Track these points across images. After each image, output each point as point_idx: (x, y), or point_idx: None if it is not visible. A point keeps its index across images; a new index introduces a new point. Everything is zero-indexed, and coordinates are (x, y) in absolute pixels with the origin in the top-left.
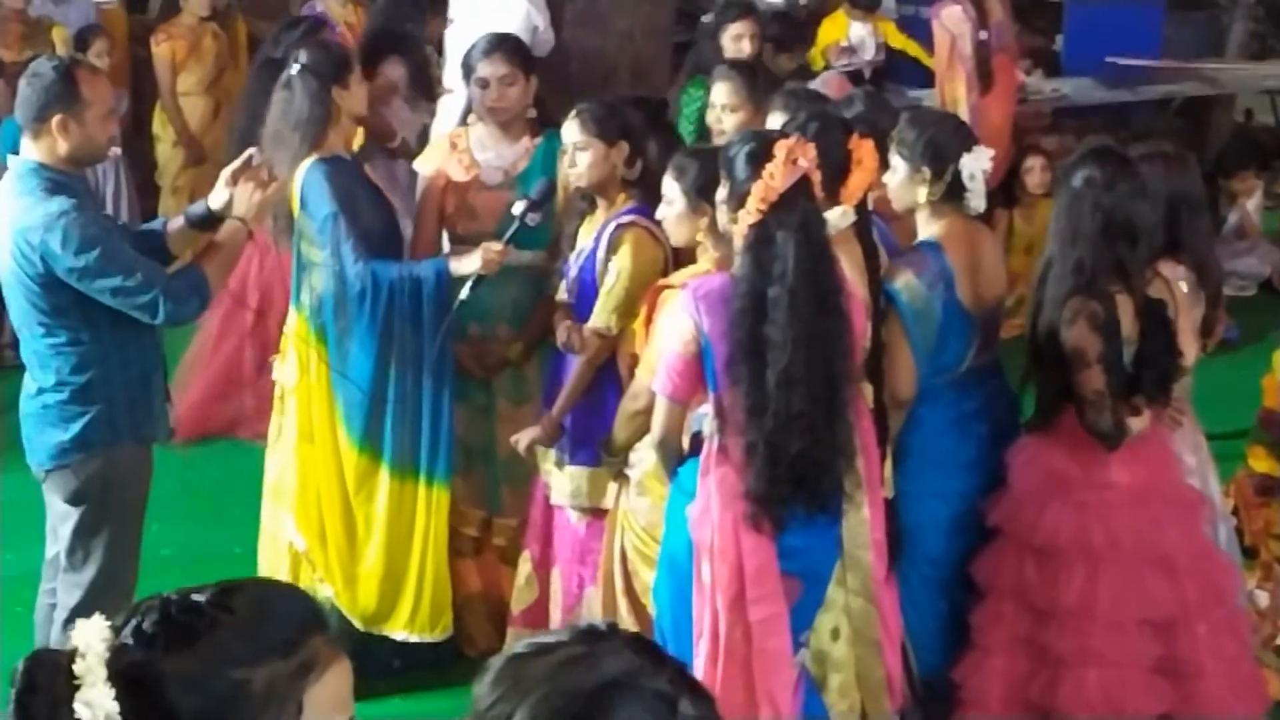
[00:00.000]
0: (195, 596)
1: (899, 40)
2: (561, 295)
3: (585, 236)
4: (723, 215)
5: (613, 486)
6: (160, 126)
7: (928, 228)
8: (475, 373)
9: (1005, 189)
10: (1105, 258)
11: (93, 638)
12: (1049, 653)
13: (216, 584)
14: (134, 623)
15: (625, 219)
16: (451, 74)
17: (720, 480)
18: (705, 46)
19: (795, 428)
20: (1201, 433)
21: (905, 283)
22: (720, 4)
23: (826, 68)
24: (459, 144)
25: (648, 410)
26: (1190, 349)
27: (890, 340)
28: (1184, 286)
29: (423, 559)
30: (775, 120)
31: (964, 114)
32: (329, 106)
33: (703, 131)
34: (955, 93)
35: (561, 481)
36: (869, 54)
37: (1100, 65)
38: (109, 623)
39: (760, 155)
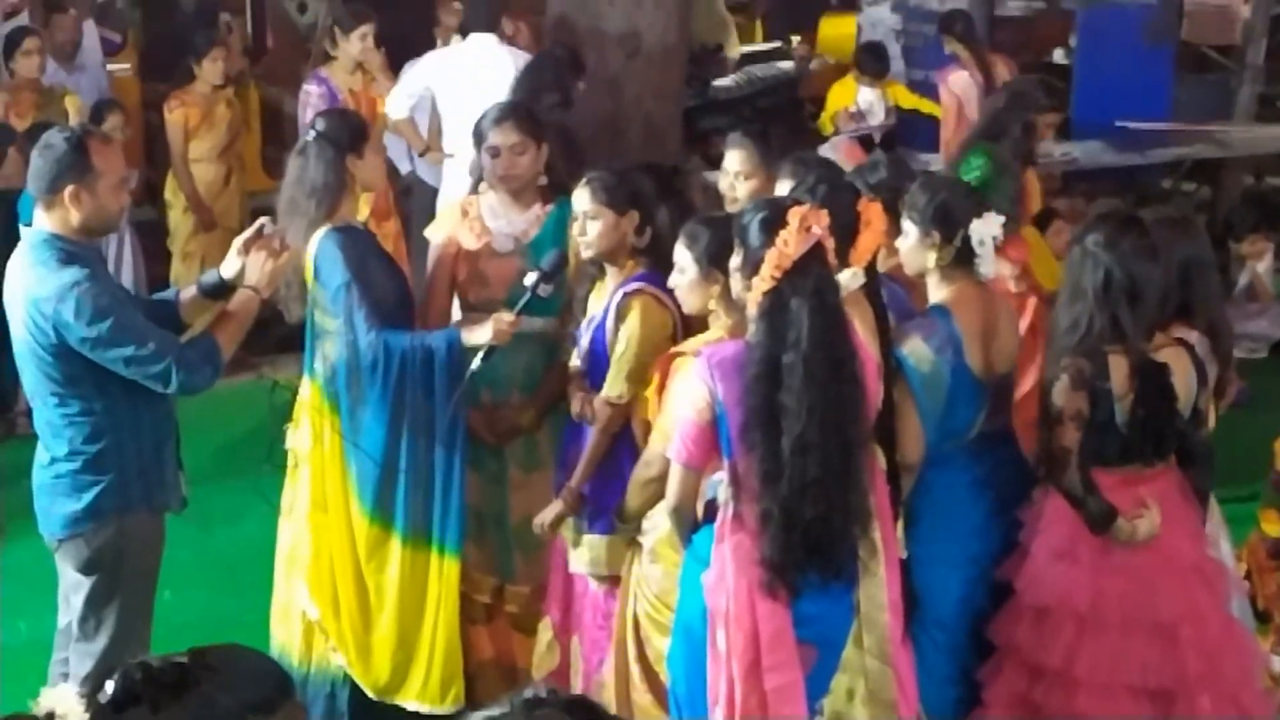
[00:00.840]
0: (174, 658)
1: (910, 100)
2: (575, 362)
3: (595, 303)
4: (737, 283)
5: (628, 554)
6: (172, 193)
7: (937, 292)
8: (488, 440)
9: None
10: (1102, 315)
11: (68, 703)
12: (1041, 712)
13: (189, 648)
14: (115, 684)
15: (632, 286)
16: (451, 139)
17: (735, 547)
18: (1009, 124)
19: (810, 494)
20: (1212, 497)
21: (912, 348)
22: (1026, 93)
23: (836, 132)
24: (470, 211)
25: (661, 477)
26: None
27: (899, 404)
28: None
29: (434, 629)
30: (784, 186)
31: None
32: (344, 175)
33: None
34: None
35: (580, 550)
36: (878, 118)
37: (1110, 128)
38: (77, 689)
39: (774, 222)
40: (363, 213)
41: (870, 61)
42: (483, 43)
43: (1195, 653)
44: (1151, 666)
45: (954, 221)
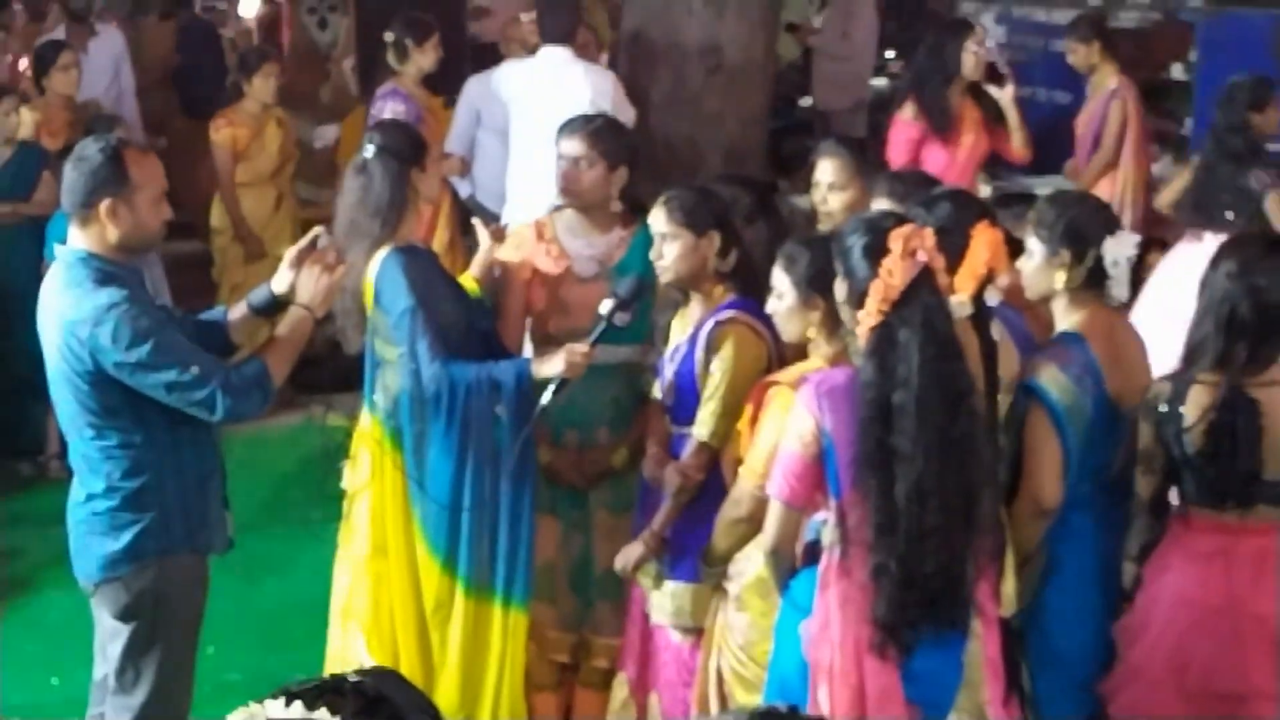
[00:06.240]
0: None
1: None
2: (656, 394)
3: (678, 331)
4: (846, 314)
5: (712, 601)
6: (218, 220)
7: (1067, 318)
8: (577, 483)
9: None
10: (1220, 346)
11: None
12: None
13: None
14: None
15: (724, 315)
16: (520, 158)
17: (842, 600)
18: None
19: (929, 545)
20: None
21: (1052, 378)
22: None
23: None
24: (545, 233)
25: (751, 517)
26: None
27: (1034, 441)
28: None
29: (498, 689)
30: (880, 204)
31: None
32: (407, 190)
33: None
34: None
35: (662, 600)
36: None
37: None
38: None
39: (877, 249)
40: (440, 239)
41: None
42: (558, 56)
43: None
44: None
45: (1085, 240)
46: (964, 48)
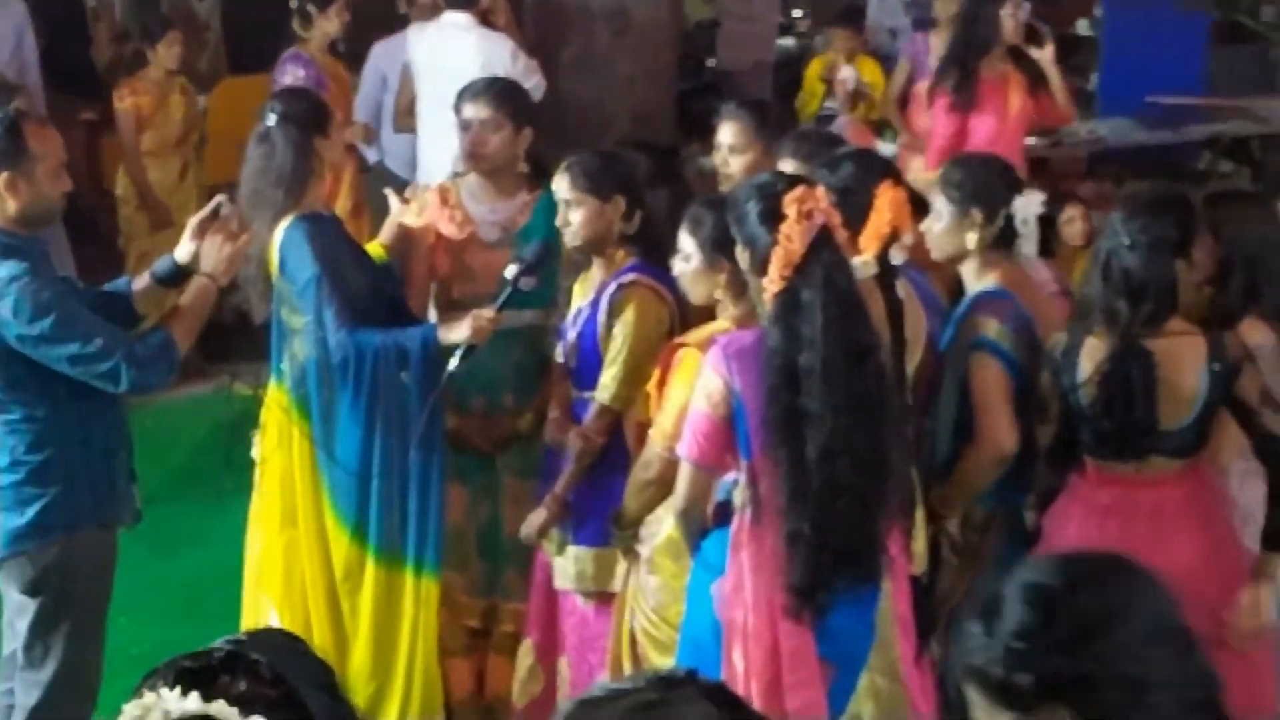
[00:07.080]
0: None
1: (876, 77)
2: (558, 356)
3: (579, 294)
4: (752, 281)
5: (622, 565)
6: (124, 189)
7: (982, 278)
8: (484, 449)
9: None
10: (1101, 301)
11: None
12: None
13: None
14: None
15: (627, 278)
16: (424, 124)
17: (755, 562)
18: None
19: (843, 504)
20: None
21: (998, 331)
22: None
23: (820, 111)
24: (449, 198)
25: (660, 480)
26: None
27: (987, 391)
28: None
29: (411, 657)
30: (786, 166)
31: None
32: (312, 159)
33: None
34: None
35: (565, 565)
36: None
37: (1139, 105)
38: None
39: (772, 215)
40: (343, 205)
41: (845, 19)
42: (455, 22)
43: None
44: None
45: (995, 199)
46: (1001, 11)
